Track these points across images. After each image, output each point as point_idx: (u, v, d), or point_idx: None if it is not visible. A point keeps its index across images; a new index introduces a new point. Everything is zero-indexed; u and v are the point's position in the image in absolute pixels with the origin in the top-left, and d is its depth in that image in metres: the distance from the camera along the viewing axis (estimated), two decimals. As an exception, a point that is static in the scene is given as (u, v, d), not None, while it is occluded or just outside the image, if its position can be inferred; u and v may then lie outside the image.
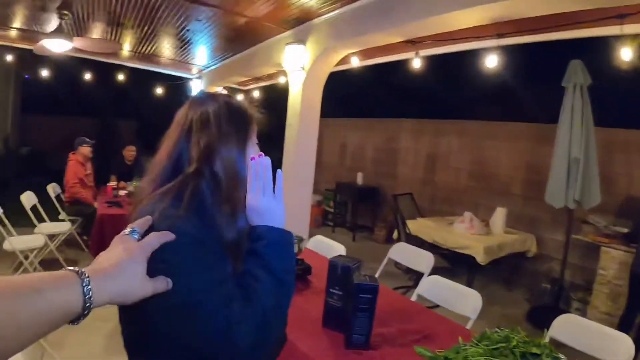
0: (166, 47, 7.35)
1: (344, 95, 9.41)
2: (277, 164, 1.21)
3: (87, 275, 0.81)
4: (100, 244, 4.97)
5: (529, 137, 7.02)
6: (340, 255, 2.31)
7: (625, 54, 3.96)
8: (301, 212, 5.34)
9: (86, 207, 6.34)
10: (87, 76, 10.22)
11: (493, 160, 7.57)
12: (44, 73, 9.76)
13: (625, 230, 5.01)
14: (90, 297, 0.79)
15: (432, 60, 5.66)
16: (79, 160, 6.53)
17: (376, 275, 3.36)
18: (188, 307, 0.98)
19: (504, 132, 7.45)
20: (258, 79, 8.89)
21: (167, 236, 0.98)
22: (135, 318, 1.01)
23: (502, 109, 7.92)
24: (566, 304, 5.68)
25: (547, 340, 2.27)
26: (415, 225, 6.50)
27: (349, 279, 2.00)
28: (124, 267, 0.90)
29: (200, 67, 9.02)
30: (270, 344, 1.10)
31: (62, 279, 0.79)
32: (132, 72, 9.80)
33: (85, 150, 6.62)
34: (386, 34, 4.25)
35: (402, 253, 3.81)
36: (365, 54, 5.67)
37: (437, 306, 2.93)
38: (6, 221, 4.95)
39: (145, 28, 6.04)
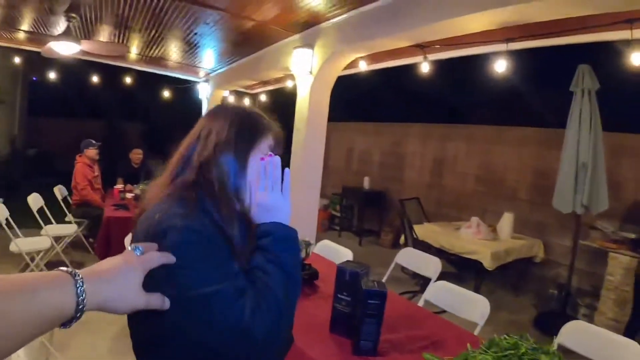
0: (173, 51, 7.35)
1: (352, 99, 9.43)
2: (284, 167, 1.25)
3: (80, 276, 0.80)
4: (106, 247, 4.98)
5: (537, 141, 6.98)
6: (348, 261, 2.30)
7: (634, 59, 3.93)
8: (309, 216, 5.33)
9: (93, 209, 6.33)
10: (95, 79, 10.28)
11: (500, 165, 7.53)
12: (52, 75, 9.79)
13: (633, 235, 4.98)
14: (83, 299, 0.79)
15: (440, 65, 5.64)
16: (86, 163, 6.55)
17: (383, 280, 3.36)
18: (203, 299, 1.00)
19: (511, 137, 7.41)
20: (265, 83, 8.88)
21: (169, 258, 0.99)
22: (148, 315, 1.01)
23: (510, 113, 7.91)
24: (573, 310, 5.65)
25: (555, 347, 2.26)
26: (422, 230, 6.48)
27: (357, 284, 1.99)
28: (120, 273, 0.90)
29: (207, 70, 9.02)
30: (281, 337, 1.12)
31: (55, 279, 0.78)
32: (139, 75, 9.81)
33: (92, 152, 6.63)
34: (394, 38, 4.23)
35: (409, 258, 3.80)
36: (373, 58, 5.66)
37: (444, 311, 2.92)
38: (13, 223, 4.97)
39: (153, 31, 6.04)
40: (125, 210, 5.49)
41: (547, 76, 6.88)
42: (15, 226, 4.99)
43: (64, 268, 0.81)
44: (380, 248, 8.83)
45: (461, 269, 6.38)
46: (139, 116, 15.56)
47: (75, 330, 0.82)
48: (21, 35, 6.63)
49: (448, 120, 8.79)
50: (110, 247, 4.94)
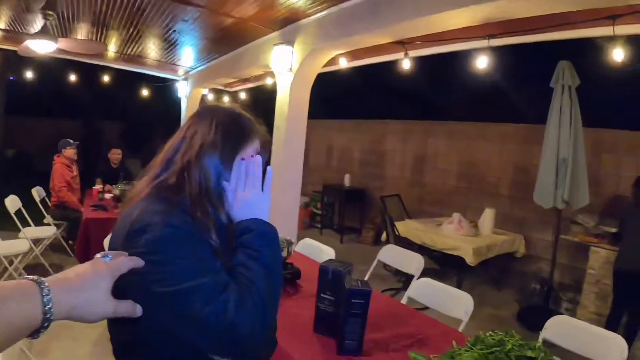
0: (152, 48, 7.28)
1: (332, 96, 9.40)
2: (266, 166, 1.27)
3: (46, 285, 0.78)
4: (86, 249, 4.91)
5: (518, 138, 7.03)
6: (330, 260, 2.27)
7: (617, 55, 3.96)
8: (290, 214, 5.30)
9: (72, 211, 6.23)
10: (72, 77, 10.12)
11: (481, 161, 7.57)
12: (29, 74, 9.66)
13: (614, 230, 5.02)
14: (50, 308, 0.76)
15: (421, 61, 5.65)
16: (65, 163, 6.43)
17: (365, 278, 3.34)
18: (184, 294, 0.98)
19: (492, 133, 7.45)
20: (245, 81, 8.84)
21: (138, 262, 0.98)
22: (127, 317, 0.99)
23: (491, 109, 7.93)
24: (556, 304, 5.70)
25: (540, 341, 2.26)
26: (404, 227, 6.49)
27: (340, 284, 1.97)
28: (88, 281, 0.88)
29: (186, 68, 8.94)
30: (265, 334, 1.11)
31: (21, 288, 0.76)
32: (117, 73, 9.68)
33: (70, 152, 6.52)
34: (375, 35, 4.21)
35: (392, 255, 3.79)
36: (353, 55, 5.64)
37: (427, 308, 2.91)
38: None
39: (131, 29, 5.97)
40: (104, 211, 5.42)
41: (529, 72, 6.90)
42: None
43: (31, 277, 0.79)
44: (361, 245, 8.82)
45: (443, 265, 6.39)
46: (117, 115, 15.40)
47: (55, 335, 0.80)
48: (-3, 34, 6.52)
49: (429, 116, 8.79)
50: (89, 248, 4.87)
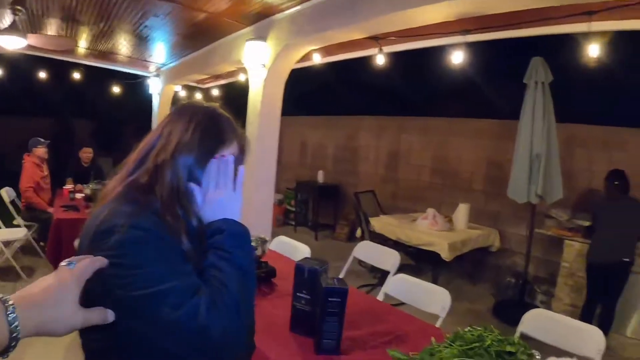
0: (123, 44, 7.18)
1: (305, 92, 9.34)
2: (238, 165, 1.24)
3: (11, 303, 0.74)
4: (57, 250, 4.80)
5: (491, 133, 7.08)
6: (306, 258, 2.25)
7: (592, 51, 4.00)
8: (264, 211, 5.27)
9: (42, 212, 6.08)
10: (42, 74, 9.92)
11: (455, 156, 7.61)
12: (-3, 71, 9.44)
13: (587, 223, 5.08)
14: (16, 327, 0.73)
15: (396, 57, 5.65)
16: (35, 162, 6.28)
17: (341, 275, 3.33)
18: (156, 297, 0.95)
19: (466, 129, 7.49)
20: (217, 77, 8.79)
21: (101, 262, 0.94)
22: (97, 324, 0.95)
23: (465, 105, 7.95)
24: (531, 297, 5.76)
25: (517, 335, 2.26)
26: (379, 223, 6.48)
27: (316, 282, 1.94)
28: (53, 294, 0.84)
29: (158, 64, 8.85)
30: (240, 338, 1.07)
31: None
32: (88, 70, 9.51)
33: (40, 151, 6.37)
34: (349, 30, 4.19)
35: (367, 251, 3.77)
36: (327, 50, 5.62)
37: (403, 303, 2.90)
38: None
39: (102, 24, 5.88)
40: (75, 212, 5.30)
41: (503, 68, 6.93)
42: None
43: None
44: (336, 242, 8.83)
45: (418, 261, 6.40)
46: (88, 113, 15.13)
47: (28, 341, 0.75)
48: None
49: (403, 112, 8.79)
50: (61, 250, 4.76)
